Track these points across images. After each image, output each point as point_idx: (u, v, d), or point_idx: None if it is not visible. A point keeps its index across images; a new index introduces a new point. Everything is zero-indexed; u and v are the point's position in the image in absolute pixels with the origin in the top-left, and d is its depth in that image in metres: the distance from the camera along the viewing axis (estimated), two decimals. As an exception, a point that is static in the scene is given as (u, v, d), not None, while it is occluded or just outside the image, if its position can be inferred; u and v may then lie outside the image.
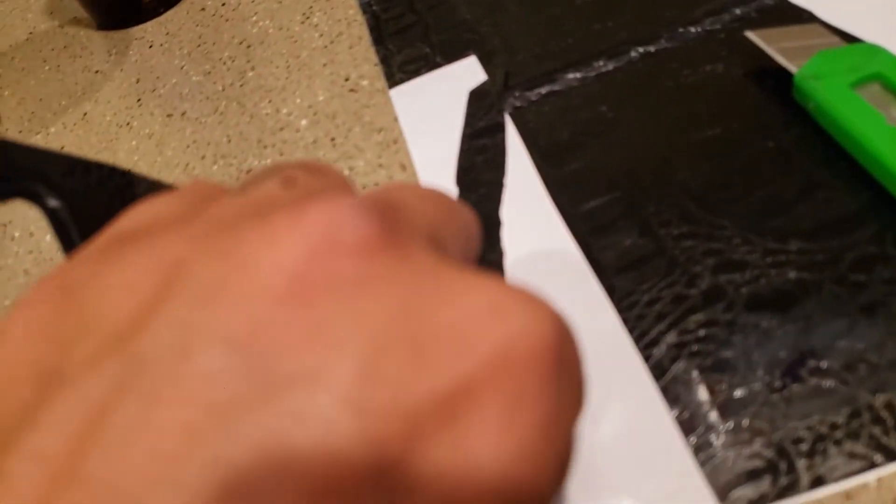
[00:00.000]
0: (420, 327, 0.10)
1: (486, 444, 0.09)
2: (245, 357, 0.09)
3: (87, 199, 0.16)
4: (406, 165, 0.29)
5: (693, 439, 0.19)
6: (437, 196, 0.13)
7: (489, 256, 0.25)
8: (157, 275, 0.10)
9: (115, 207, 0.15)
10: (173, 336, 0.09)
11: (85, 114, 0.38)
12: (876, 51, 0.24)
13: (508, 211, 0.26)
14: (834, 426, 0.19)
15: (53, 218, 0.16)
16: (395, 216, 0.11)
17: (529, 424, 0.10)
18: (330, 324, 0.09)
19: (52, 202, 0.16)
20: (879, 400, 0.19)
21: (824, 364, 0.20)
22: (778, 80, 0.26)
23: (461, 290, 0.10)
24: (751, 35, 0.27)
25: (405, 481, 0.09)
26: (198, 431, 0.08)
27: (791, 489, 0.18)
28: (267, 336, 0.09)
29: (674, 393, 0.20)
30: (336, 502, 0.08)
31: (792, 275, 0.22)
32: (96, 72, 0.41)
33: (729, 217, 0.23)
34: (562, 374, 0.10)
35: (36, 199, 0.16)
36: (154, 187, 0.17)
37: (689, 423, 0.19)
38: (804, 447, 0.18)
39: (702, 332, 0.21)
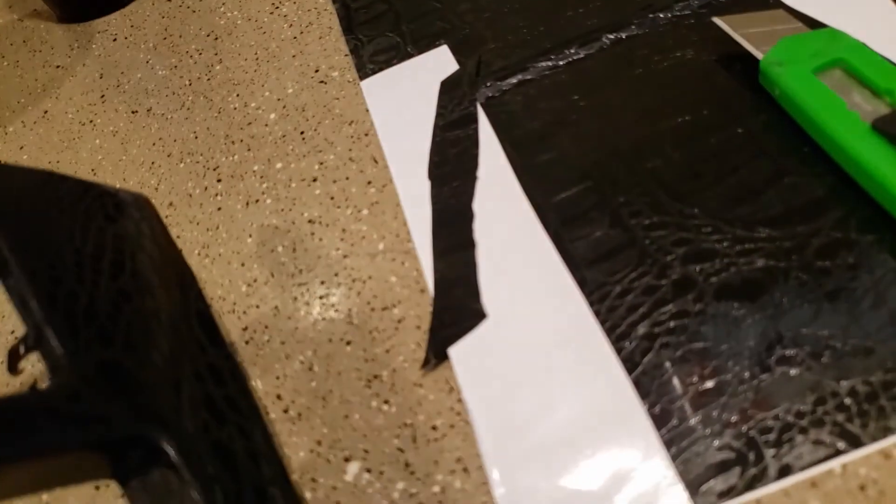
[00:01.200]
0: None
1: None
2: None
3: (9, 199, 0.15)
4: (378, 158, 0.29)
5: (665, 433, 0.19)
6: None
7: (462, 249, 0.25)
8: None
9: (39, 206, 0.14)
10: None
11: (46, 111, 0.37)
12: (838, 36, 0.24)
13: (481, 203, 0.26)
14: (800, 414, 0.19)
15: None
16: None
17: None
18: None
19: None
20: (843, 386, 0.19)
21: (791, 352, 0.20)
22: (746, 65, 0.26)
23: None
24: (717, 21, 0.27)
25: None
26: None
27: (759, 480, 0.18)
28: None
29: (646, 386, 0.20)
30: None
31: (760, 262, 0.22)
32: (57, 67, 0.40)
33: (699, 205, 0.23)
34: None
35: None
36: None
37: (661, 417, 0.20)
38: (772, 437, 0.19)
39: (672, 324, 0.21)
